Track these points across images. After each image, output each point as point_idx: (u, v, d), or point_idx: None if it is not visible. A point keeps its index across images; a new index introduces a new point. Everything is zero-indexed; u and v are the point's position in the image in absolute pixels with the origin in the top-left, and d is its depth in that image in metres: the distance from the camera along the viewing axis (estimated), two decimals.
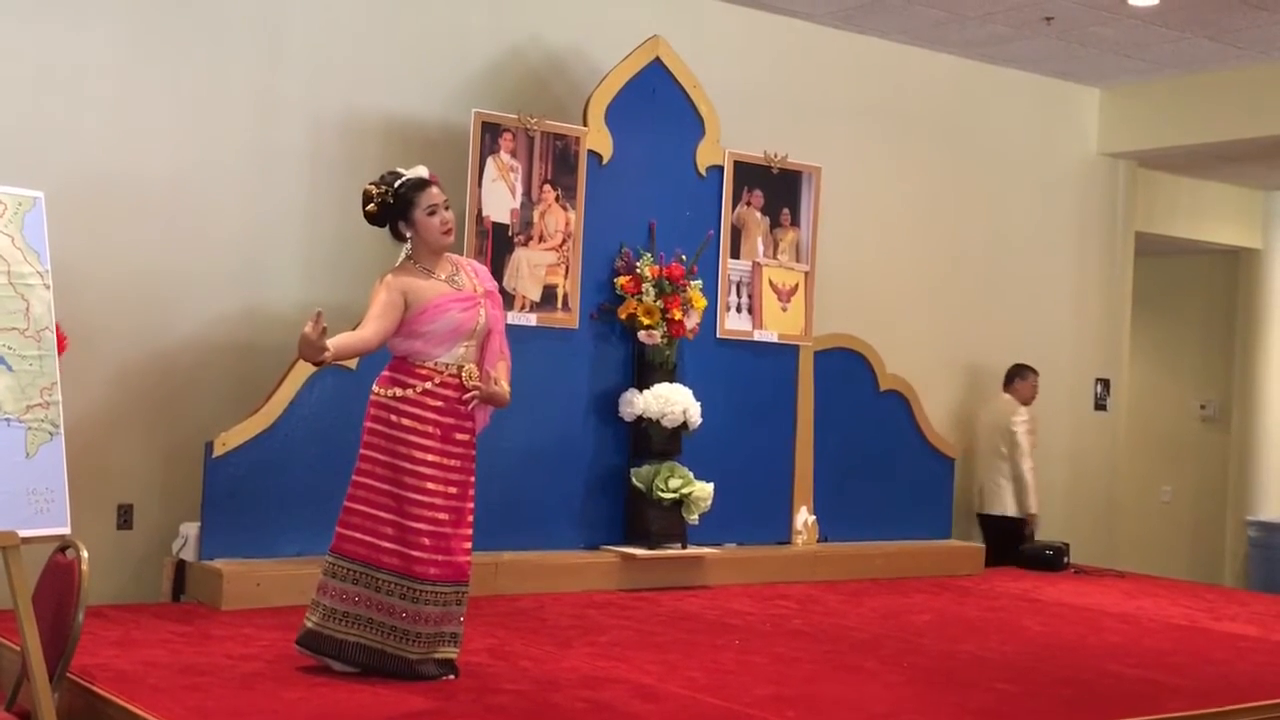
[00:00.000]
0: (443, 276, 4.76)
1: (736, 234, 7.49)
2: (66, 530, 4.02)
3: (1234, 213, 11.26)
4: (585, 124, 7.00)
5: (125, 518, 6.14)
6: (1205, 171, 10.55)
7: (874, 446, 8.02)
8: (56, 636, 3.84)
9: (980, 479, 8.81)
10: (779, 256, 7.63)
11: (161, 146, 6.23)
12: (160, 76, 6.23)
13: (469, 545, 4.75)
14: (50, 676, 3.79)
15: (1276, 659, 5.88)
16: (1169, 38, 8.28)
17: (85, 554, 3.86)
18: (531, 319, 6.76)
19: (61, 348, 5.12)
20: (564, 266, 6.89)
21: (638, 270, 6.99)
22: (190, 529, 6.02)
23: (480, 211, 6.63)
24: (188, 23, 6.30)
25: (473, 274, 4.89)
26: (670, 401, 6.92)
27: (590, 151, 6.98)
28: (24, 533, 3.87)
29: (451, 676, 4.67)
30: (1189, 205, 10.90)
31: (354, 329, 4.74)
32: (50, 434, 4.00)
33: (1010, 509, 8.68)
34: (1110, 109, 9.56)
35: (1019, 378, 8.80)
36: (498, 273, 6.57)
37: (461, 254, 6.09)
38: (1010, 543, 8.65)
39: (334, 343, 4.47)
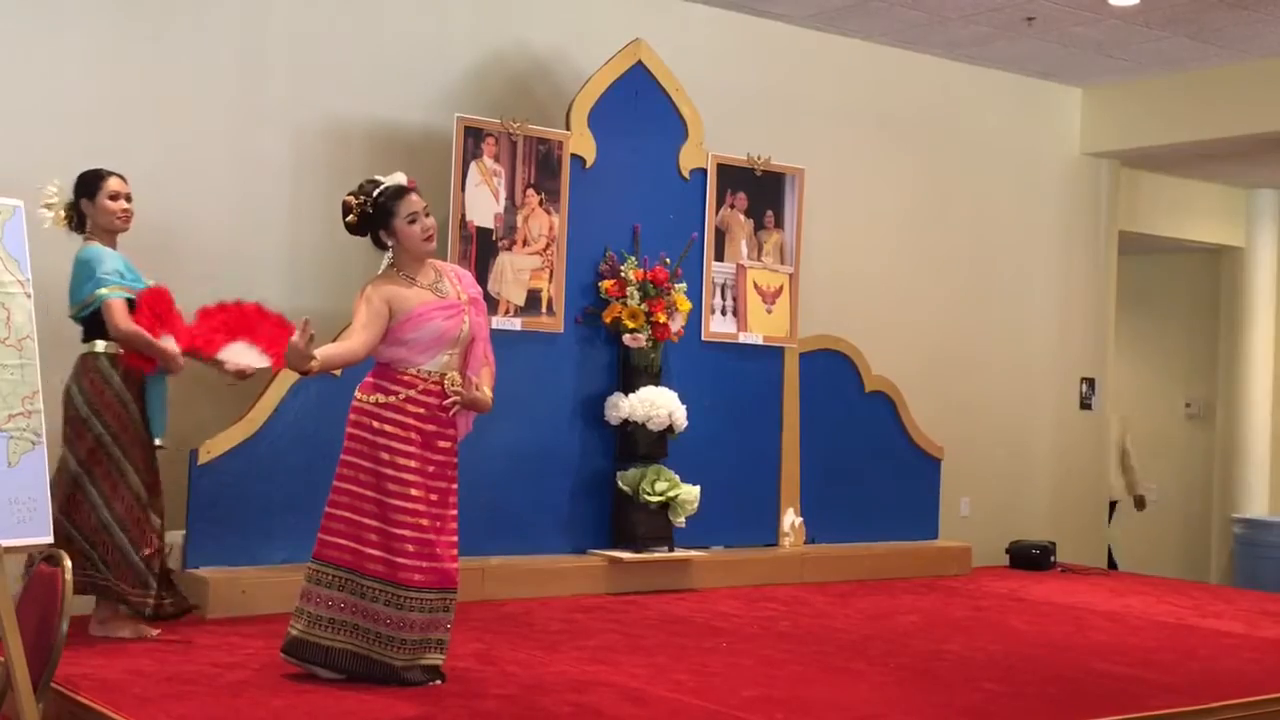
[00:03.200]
0: (426, 284, 4.74)
1: (720, 236, 7.49)
2: (49, 539, 4.01)
3: (1217, 211, 11.29)
4: (568, 128, 6.99)
5: None
6: (1188, 170, 10.57)
7: (860, 448, 8.03)
8: (40, 646, 3.82)
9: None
10: (763, 259, 7.63)
11: (142, 154, 6.19)
12: (141, 84, 6.21)
13: (455, 551, 4.73)
14: (34, 686, 3.77)
15: (1262, 656, 5.90)
16: (1150, 37, 8.31)
17: (69, 563, 3.85)
18: (516, 323, 6.75)
19: None
20: (548, 271, 6.89)
21: (622, 274, 6.99)
22: (175, 537, 5.99)
23: (464, 216, 6.62)
24: (168, 29, 6.29)
25: (456, 280, 4.87)
26: (656, 405, 6.92)
27: (573, 155, 6.98)
28: (6, 542, 3.85)
29: (438, 682, 4.66)
30: (1172, 204, 10.92)
31: (335, 339, 4.73)
32: (32, 443, 3.99)
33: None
34: (1092, 108, 9.58)
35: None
36: (482, 277, 6.56)
37: (445, 259, 6.10)
38: None
39: (321, 353, 4.46)
